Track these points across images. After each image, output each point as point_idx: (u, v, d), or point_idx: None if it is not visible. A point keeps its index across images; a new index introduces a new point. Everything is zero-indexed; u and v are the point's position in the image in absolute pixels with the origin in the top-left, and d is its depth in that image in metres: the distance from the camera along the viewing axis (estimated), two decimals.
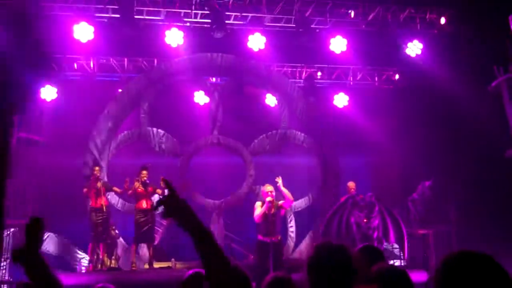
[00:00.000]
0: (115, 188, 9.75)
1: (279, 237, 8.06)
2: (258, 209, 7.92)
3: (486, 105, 9.65)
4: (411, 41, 10.91)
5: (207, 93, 12.05)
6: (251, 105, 12.44)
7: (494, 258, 1.54)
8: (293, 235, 11.87)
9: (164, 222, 11.23)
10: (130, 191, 9.42)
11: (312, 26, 10.73)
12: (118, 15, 9.77)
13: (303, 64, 12.54)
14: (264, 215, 7.84)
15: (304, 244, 11.61)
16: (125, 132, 11.61)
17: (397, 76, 12.98)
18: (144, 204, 9.44)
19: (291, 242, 11.78)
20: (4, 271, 9.30)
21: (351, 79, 12.93)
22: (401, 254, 9.69)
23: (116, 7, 9.85)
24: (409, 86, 12.43)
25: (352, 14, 11.01)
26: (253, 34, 10.52)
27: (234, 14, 10.54)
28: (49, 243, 10.89)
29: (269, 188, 8.00)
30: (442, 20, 11.00)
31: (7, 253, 9.10)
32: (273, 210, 7.87)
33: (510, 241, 8.11)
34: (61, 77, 11.34)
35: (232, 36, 10.72)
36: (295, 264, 8.84)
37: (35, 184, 10.44)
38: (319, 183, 11.99)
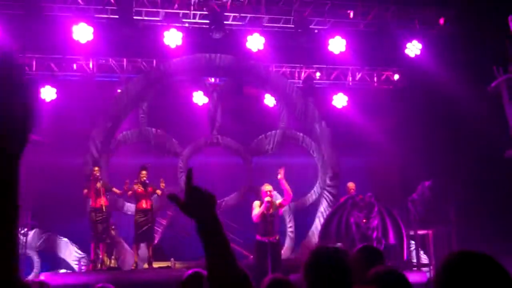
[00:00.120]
0: (115, 189, 9.73)
1: (277, 237, 8.05)
2: (257, 208, 7.90)
3: (486, 105, 9.66)
4: (410, 41, 10.91)
5: (206, 93, 12.04)
6: (250, 105, 12.43)
7: (494, 258, 1.53)
8: (292, 235, 11.85)
9: (164, 222, 11.21)
10: (129, 192, 9.43)
11: (311, 26, 10.74)
12: (117, 16, 9.78)
13: (302, 65, 12.51)
14: (263, 215, 7.82)
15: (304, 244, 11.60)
16: (125, 132, 11.60)
17: (396, 77, 12.96)
18: (144, 204, 9.42)
19: (290, 242, 11.77)
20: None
21: (350, 80, 12.90)
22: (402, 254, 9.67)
23: (115, 8, 9.86)
24: (408, 87, 12.42)
25: (351, 15, 11.00)
26: (251, 34, 10.52)
27: (232, 14, 10.54)
28: (49, 243, 10.90)
29: (267, 187, 7.97)
30: (442, 20, 11.01)
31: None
32: (271, 210, 7.85)
33: (510, 241, 8.12)
34: (61, 77, 11.34)
35: (231, 37, 10.73)
36: (294, 264, 8.82)
37: (35, 184, 10.42)
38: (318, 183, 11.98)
